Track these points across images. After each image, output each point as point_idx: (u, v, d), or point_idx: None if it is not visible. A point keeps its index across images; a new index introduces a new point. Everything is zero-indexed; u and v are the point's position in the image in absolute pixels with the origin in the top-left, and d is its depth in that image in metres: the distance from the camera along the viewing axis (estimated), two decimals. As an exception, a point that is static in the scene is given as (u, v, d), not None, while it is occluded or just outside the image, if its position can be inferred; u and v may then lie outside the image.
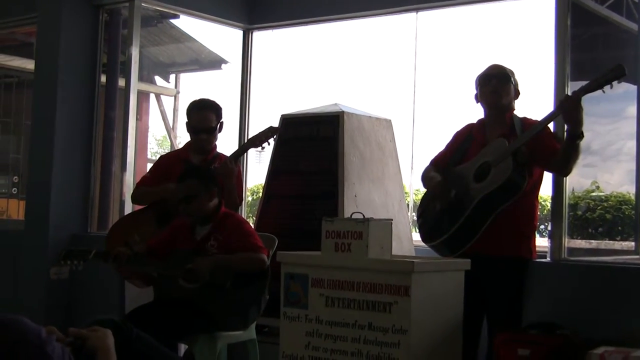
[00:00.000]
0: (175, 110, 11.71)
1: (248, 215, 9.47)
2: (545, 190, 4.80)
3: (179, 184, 4.74)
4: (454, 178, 4.56)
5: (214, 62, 11.42)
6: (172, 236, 4.79)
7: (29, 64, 8.51)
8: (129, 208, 6.34)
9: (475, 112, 4.74)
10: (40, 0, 7.01)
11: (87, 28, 6.92)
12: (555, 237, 4.66)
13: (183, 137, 5.40)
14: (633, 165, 5.67)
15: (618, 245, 7.16)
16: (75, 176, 6.80)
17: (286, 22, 7.29)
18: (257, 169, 8.16)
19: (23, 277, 6.76)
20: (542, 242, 5.04)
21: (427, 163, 4.88)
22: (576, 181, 5.56)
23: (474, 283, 4.19)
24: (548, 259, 4.66)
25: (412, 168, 6.69)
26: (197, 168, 4.95)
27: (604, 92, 4.11)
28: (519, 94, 4.68)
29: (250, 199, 11.71)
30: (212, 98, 5.40)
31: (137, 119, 6.94)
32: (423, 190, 4.95)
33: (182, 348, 5.29)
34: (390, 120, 5.95)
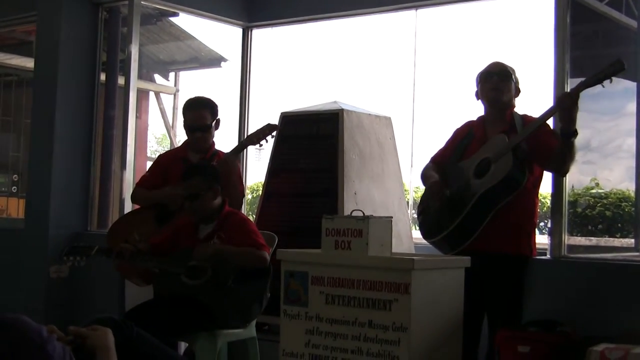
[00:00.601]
0: (174, 108, 11.72)
1: (248, 213, 9.47)
2: (545, 187, 4.81)
3: (183, 182, 4.73)
4: (455, 174, 4.56)
5: (214, 60, 11.42)
6: (175, 234, 4.79)
7: (28, 63, 8.52)
8: (128, 207, 6.33)
9: (476, 109, 4.75)
10: (39, -2, 7.01)
11: (87, 26, 6.92)
12: (555, 234, 4.66)
13: (182, 136, 5.41)
14: (633, 162, 5.68)
15: (618, 242, 7.14)
16: (75, 174, 6.80)
17: (285, 19, 7.28)
18: (256, 167, 8.17)
19: (23, 275, 6.76)
20: (541, 240, 5.04)
21: (427, 160, 4.88)
22: (576, 178, 5.56)
23: (474, 280, 4.18)
24: (548, 256, 4.66)
25: (411, 165, 6.69)
26: (201, 166, 4.94)
27: (603, 86, 4.11)
28: (520, 91, 4.68)
29: (250, 196, 11.71)
30: (210, 96, 5.39)
31: (136, 117, 6.94)
32: (423, 187, 4.95)
33: (182, 346, 5.29)
34: (389, 118, 5.95)
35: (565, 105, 4.19)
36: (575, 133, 4.22)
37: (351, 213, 4.12)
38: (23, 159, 9.20)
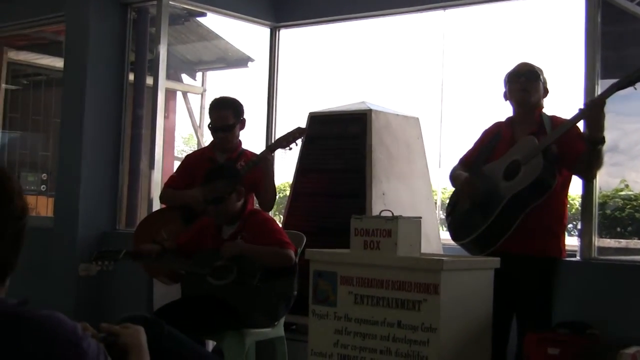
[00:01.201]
0: (201, 108, 11.74)
1: (275, 213, 9.47)
2: (573, 189, 4.77)
3: (206, 185, 4.73)
4: (483, 177, 4.54)
5: (240, 60, 11.43)
6: (199, 235, 4.81)
7: (57, 62, 8.58)
8: (157, 206, 6.35)
9: (505, 110, 4.72)
10: (68, -1, 7.06)
11: (115, 26, 6.95)
12: (585, 236, 4.63)
13: (209, 136, 5.43)
14: (662, 164, 5.63)
15: (647, 244, 7.09)
16: (103, 174, 6.83)
17: (313, 19, 7.28)
18: (282, 167, 8.16)
19: (51, 274, 6.80)
20: (570, 242, 5.01)
21: (455, 161, 4.86)
22: (604, 180, 5.52)
23: (504, 282, 4.16)
24: (578, 257, 4.64)
25: (439, 166, 6.67)
26: (223, 167, 4.95)
27: (635, 88, 4.09)
28: (548, 92, 4.65)
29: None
30: (237, 96, 5.40)
31: (164, 117, 6.96)
32: (450, 188, 4.93)
33: (210, 344, 5.30)
34: (417, 118, 5.93)
35: (593, 113, 4.17)
36: (602, 140, 4.19)
37: (380, 213, 4.10)
38: (52, 158, 9.26)
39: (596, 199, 4.66)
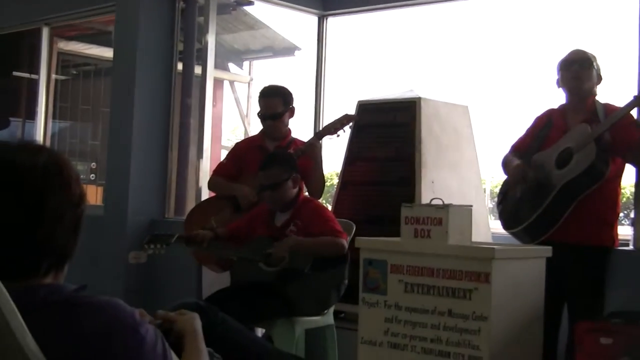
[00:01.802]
0: (248, 97, 11.80)
1: (323, 202, 9.49)
2: (626, 177, 4.71)
3: (262, 172, 4.75)
4: (535, 165, 4.50)
5: (287, 49, 11.46)
6: (252, 222, 4.82)
7: (106, 52, 8.66)
8: (205, 194, 6.39)
9: (558, 98, 4.67)
10: (118, -11, 7.11)
11: (164, 16, 7.00)
12: (638, 225, 4.57)
13: (256, 124, 5.43)
14: None
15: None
16: (152, 162, 6.89)
17: (361, 7, 7.24)
18: (330, 157, 8.16)
19: (102, 261, 6.87)
20: (622, 231, 4.95)
21: (506, 149, 4.82)
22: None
23: (555, 271, 4.13)
24: (631, 247, 4.58)
25: (489, 155, 6.62)
26: (280, 154, 4.96)
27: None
28: (601, 79, 4.58)
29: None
30: (283, 84, 5.40)
31: (212, 106, 7.00)
32: (498, 177, 4.89)
33: (259, 332, 5.32)
34: (467, 107, 5.89)
35: None
36: None
37: (430, 201, 4.08)
38: (101, 147, 9.36)
39: (651, 187, 4.59)
